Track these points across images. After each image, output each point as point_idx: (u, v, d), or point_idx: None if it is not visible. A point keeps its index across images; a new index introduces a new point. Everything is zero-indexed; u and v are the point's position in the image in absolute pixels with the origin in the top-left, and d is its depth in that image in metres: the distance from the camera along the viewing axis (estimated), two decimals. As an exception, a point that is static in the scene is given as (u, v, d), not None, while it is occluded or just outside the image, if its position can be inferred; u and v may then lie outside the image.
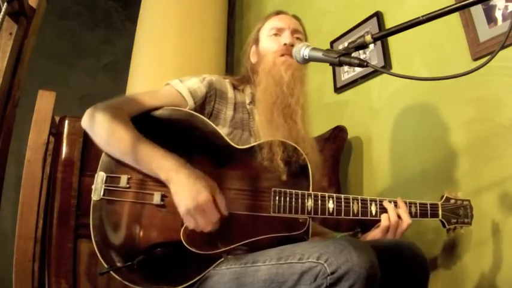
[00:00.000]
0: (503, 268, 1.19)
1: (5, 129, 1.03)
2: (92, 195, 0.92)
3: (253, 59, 1.21)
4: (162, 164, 0.89)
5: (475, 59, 1.35)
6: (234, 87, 1.16)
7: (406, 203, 1.06)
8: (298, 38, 1.17)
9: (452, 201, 1.12)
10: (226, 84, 1.15)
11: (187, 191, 0.86)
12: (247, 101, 1.16)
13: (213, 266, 0.91)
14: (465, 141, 1.36)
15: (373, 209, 1.02)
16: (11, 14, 1.04)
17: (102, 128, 0.93)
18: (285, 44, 1.12)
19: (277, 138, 1.00)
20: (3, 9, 0.85)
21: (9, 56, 1.03)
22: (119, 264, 0.88)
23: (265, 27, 1.20)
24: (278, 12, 1.22)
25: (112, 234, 0.90)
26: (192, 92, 1.05)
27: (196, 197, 0.85)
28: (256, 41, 1.21)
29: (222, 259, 0.92)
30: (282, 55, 1.12)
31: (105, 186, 0.92)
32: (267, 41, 1.17)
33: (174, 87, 1.06)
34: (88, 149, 1.25)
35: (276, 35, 1.16)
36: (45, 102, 1.32)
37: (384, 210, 1.03)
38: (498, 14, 1.32)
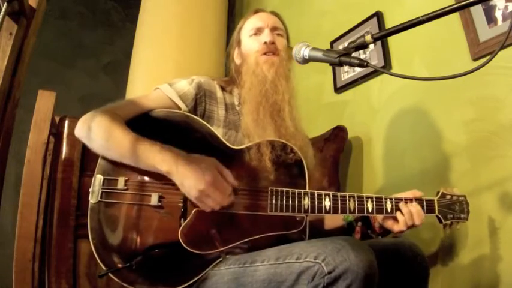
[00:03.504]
0: (502, 266, 1.19)
1: (5, 129, 1.03)
2: (89, 198, 0.92)
3: (237, 60, 1.21)
4: (161, 158, 0.89)
5: (475, 59, 1.35)
6: (222, 89, 1.17)
7: (402, 199, 1.05)
8: (278, 34, 1.18)
9: (448, 196, 1.12)
10: (215, 85, 1.15)
11: (193, 177, 0.87)
12: (236, 102, 1.16)
13: (212, 266, 0.91)
14: (465, 141, 1.36)
15: (369, 206, 1.02)
16: (11, 14, 1.04)
17: (99, 133, 0.93)
18: (265, 43, 1.13)
19: (265, 139, 1.01)
20: (3, 9, 0.84)
21: (9, 56, 1.03)
22: (118, 266, 0.88)
23: (245, 27, 1.21)
24: (256, 11, 1.23)
25: (110, 236, 0.90)
26: (181, 96, 1.06)
27: (203, 177, 0.87)
28: (238, 43, 1.22)
29: (221, 259, 0.92)
30: (264, 53, 1.12)
31: (102, 188, 0.92)
32: (248, 41, 1.18)
33: (164, 93, 1.06)
34: (88, 149, 1.24)
35: (256, 34, 1.17)
36: (45, 102, 1.31)
37: (381, 207, 1.03)
38: (498, 14, 1.32)
